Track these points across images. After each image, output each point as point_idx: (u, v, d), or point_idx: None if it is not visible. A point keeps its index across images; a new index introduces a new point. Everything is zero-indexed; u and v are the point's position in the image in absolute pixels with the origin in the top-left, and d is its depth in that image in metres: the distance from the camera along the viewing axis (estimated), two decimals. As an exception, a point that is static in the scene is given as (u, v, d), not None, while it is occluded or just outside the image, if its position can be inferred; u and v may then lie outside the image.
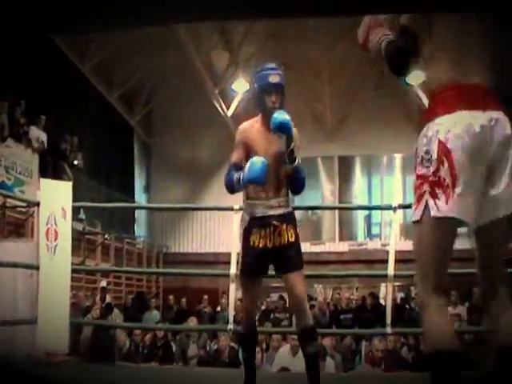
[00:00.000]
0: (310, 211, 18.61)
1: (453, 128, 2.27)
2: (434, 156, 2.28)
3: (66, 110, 13.74)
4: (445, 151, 2.26)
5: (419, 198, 2.33)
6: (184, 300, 13.15)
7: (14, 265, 5.73)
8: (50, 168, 12.25)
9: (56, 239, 5.90)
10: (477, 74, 2.38)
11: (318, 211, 18.79)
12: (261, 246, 3.83)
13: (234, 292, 5.59)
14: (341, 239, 18.37)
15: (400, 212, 19.04)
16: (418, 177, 2.34)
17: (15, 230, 10.32)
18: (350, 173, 19.37)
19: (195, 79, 15.51)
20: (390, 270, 5.50)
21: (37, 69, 12.54)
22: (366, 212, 19.00)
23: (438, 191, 2.26)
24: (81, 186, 12.62)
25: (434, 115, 2.35)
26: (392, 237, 5.85)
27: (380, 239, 18.09)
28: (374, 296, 11.33)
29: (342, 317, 10.69)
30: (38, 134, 12.23)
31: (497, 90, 2.40)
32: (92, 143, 15.67)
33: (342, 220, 18.63)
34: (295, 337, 7.81)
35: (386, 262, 5.59)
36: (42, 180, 7.08)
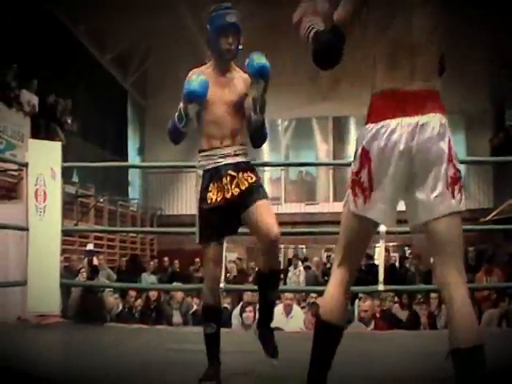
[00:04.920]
0: (304, 172, 18.54)
1: (376, 140, 2.39)
2: (358, 159, 2.44)
3: (58, 72, 13.64)
4: (366, 158, 2.41)
5: (347, 187, 2.51)
6: (177, 262, 13.13)
7: (3, 226, 5.70)
8: (43, 131, 12.16)
9: (45, 200, 5.87)
10: (418, 78, 2.41)
11: (313, 172, 18.74)
12: (219, 199, 3.43)
13: (224, 251, 5.56)
14: (335, 199, 18.11)
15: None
16: (351, 170, 2.50)
17: (7, 194, 10.25)
18: (344, 133, 19.27)
19: (189, 40, 15.31)
20: (382, 226, 5.45)
21: (29, 32, 12.36)
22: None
23: (358, 191, 2.44)
24: (74, 148, 12.55)
25: (367, 120, 2.46)
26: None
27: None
28: (368, 256, 11.30)
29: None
30: (29, 98, 12.13)
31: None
32: (85, 106, 15.53)
33: (337, 180, 18.40)
34: (289, 296, 7.82)
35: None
36: (29, 140, 7.04)
